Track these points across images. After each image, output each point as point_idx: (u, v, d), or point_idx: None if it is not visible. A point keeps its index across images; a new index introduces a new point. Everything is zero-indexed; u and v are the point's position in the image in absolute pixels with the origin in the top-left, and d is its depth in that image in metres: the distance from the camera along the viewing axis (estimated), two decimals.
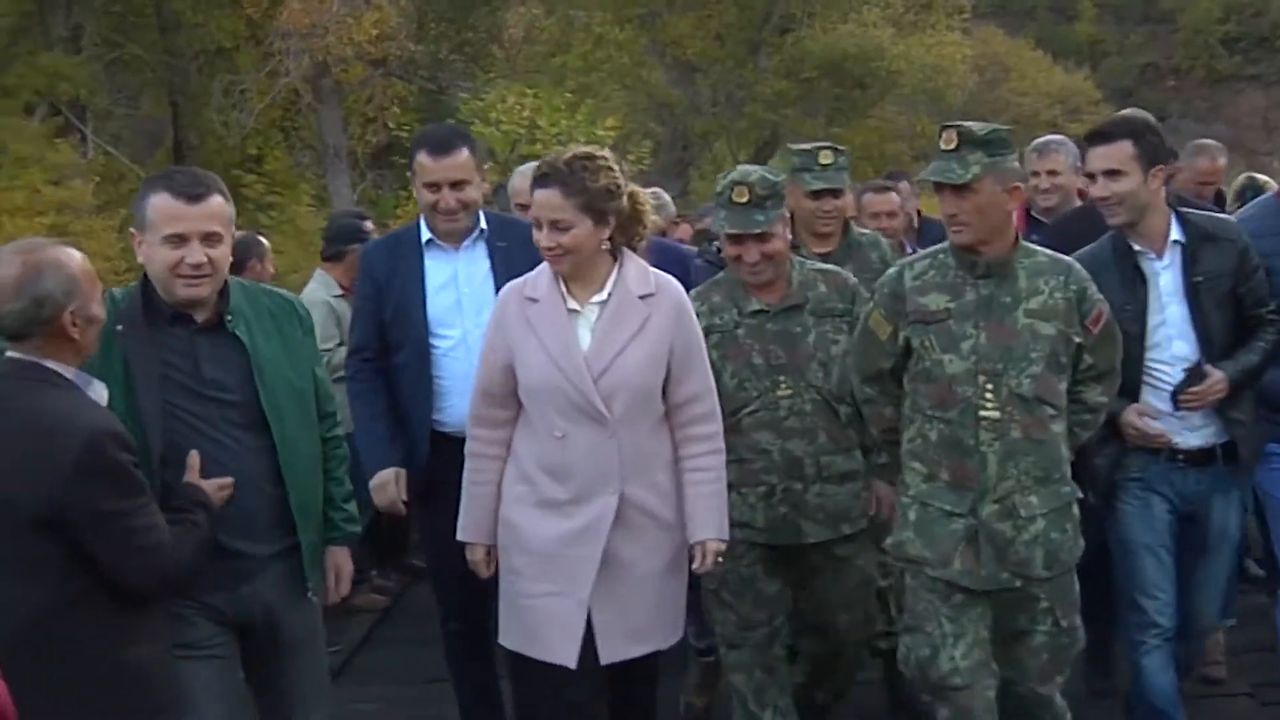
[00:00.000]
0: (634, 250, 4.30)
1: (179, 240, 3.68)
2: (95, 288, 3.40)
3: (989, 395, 4.12)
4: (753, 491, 4.79)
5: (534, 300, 4.19)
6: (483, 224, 5.03)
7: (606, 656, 4.17)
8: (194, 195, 3.68)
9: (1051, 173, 6.58)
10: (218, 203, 3.74)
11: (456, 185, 4.88)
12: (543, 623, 4.16)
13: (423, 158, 4.88)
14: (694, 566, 4.30)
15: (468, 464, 4.36)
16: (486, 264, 4.99)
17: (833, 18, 29.59)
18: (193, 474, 3.65)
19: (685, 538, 4.29)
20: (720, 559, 4.32)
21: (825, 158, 5.53)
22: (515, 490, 4.24)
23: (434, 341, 4.98)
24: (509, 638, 4.28)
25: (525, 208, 4.79)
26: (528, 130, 20.64)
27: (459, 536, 4.38)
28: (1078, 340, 4.24)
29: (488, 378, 4.27)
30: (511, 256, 4.86)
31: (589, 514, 4.12)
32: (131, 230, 3.76)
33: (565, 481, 4.13)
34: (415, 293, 4.99)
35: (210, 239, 3.71)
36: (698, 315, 4.50)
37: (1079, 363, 4.28)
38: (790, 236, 4.93)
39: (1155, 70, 42.40)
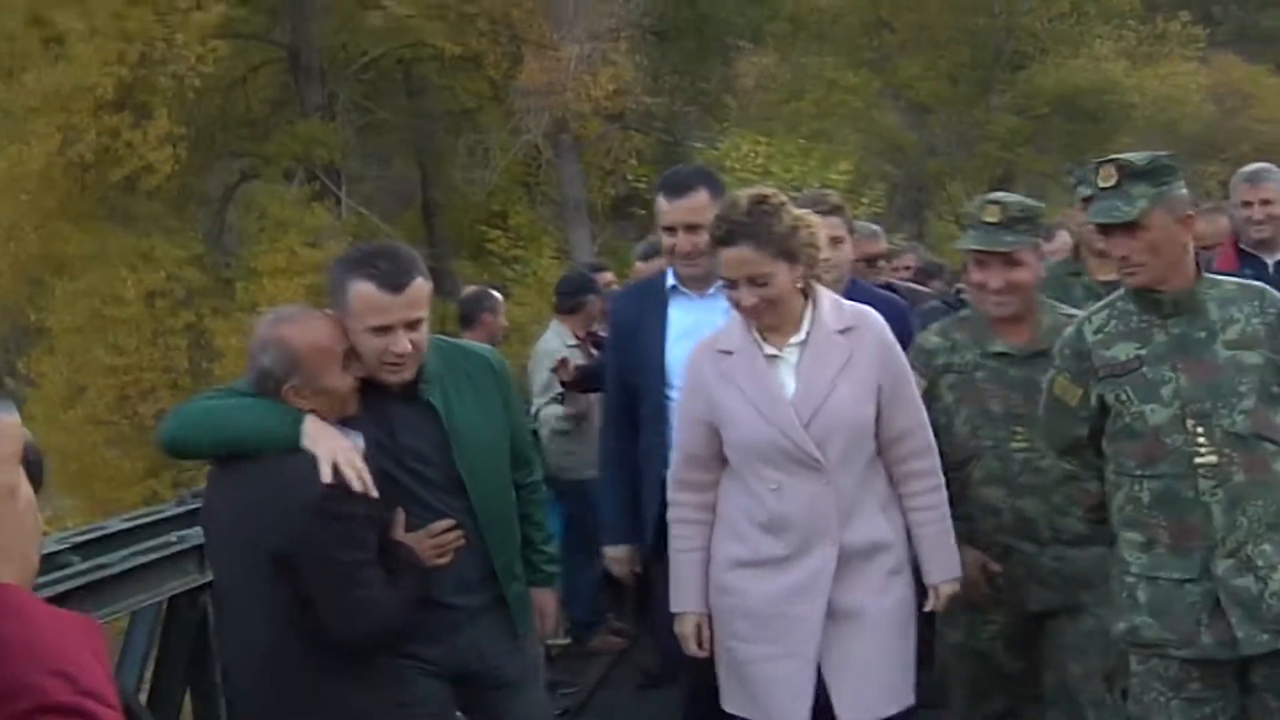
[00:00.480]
0: (819, 280, 4.05)
1: (384, 330, 3.59)
2: (326, 361, 3.49)
3: (1201, 439, 3.67)
4: (986, 553, 4.34)
5: (728, 353, 3.97)
6: None
7: (849, 716, 3.90)
8: (397, 285, 3.58)
9: (1265, 202, 6.07)
10: (418, 286, 3.63)
11: (692, 229, 4.59)
12: (769, 685, 3.94)
13: (660, 200, 4.72)
14: (927, 607, 4.07)
15: (673, 530, 4.16)
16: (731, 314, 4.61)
17: (1064, 52, 29.21)
18: (398, 530, 3.67)
19: (910, 582, 4.05)
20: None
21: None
22: (729, 551, 4.02)
23: (669, 393, 4.65)
24: (731, 701, 4.07)
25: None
26: (761, 177, 20.89)
27: (672, 608, 4.16)
28: None
29: (690, 440, 4.07)
30: None
31: (809, 567, 3.89)
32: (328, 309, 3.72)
33: (782, 535, 3.92)
34: (656, 341, 4.77)
35: (413, 325, 3.63)
36: (937, 352, 4.33)
37: None
38: (1042, 270, 4.49)
39: None
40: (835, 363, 3.91)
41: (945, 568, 4.06)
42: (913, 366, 4.22)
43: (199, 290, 24.02)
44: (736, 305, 3.92)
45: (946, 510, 4.08)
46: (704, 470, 4.06)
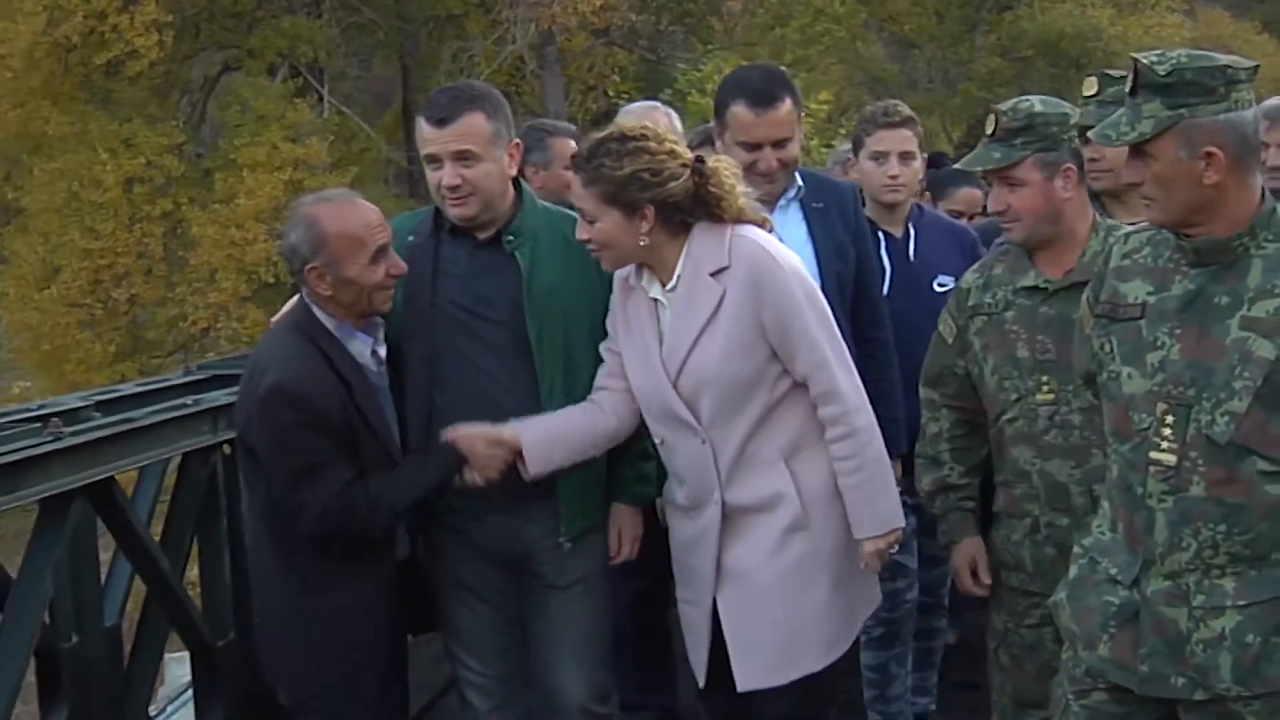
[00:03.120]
0: (725, 215, 3.57)
1: (433, 161, 3.60)
2: (352, 250, 3.45)
3: (1166, 431, 2.90)
4: (1019, 524, 3.72)
5: (632, 288, 3.65)
6: (799, 182, 4.24)
7: (743, 683, 3.65)
8: (442, 120, 3.56)
9: None
10: (468, 121, 3.55)
11: (779, 144, 4.10)
12: (688, 629, 3.81)
13: (740, 110, 4.07)
14: (862, 565, 3.69)
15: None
16: (803, 228, 4.22)
17: None
18: (461, 428, 3.56)
19: (831, 541, 3.66)
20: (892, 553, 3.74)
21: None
22: (667, 488, 3.83)
23: None
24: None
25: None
26: None
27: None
28: None
29: (608, 354, 3.75)
30: (829, 220, 4.20)
31: (699, 523, 3.66)
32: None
33: (680, 487, 3.70)
34: None
35: (462, 158, 3.55)
36: (970, 291, 3.74)
37: None
38: (1071, 193, 3.61)
39: None
40: (702, 312, 3.51)
41: (865, 523, 3.61)
42: (947, 311, 3.82)
43: (177, 179, 24.19)
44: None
45: (864, 459, 3.59)
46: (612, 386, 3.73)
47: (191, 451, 4.74)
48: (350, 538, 3.49)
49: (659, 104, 4.83)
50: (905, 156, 4.63)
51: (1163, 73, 2.85)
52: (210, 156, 25.37)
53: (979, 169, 3.72)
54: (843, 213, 4.24)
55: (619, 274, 3.65)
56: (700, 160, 3.54)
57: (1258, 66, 2.95)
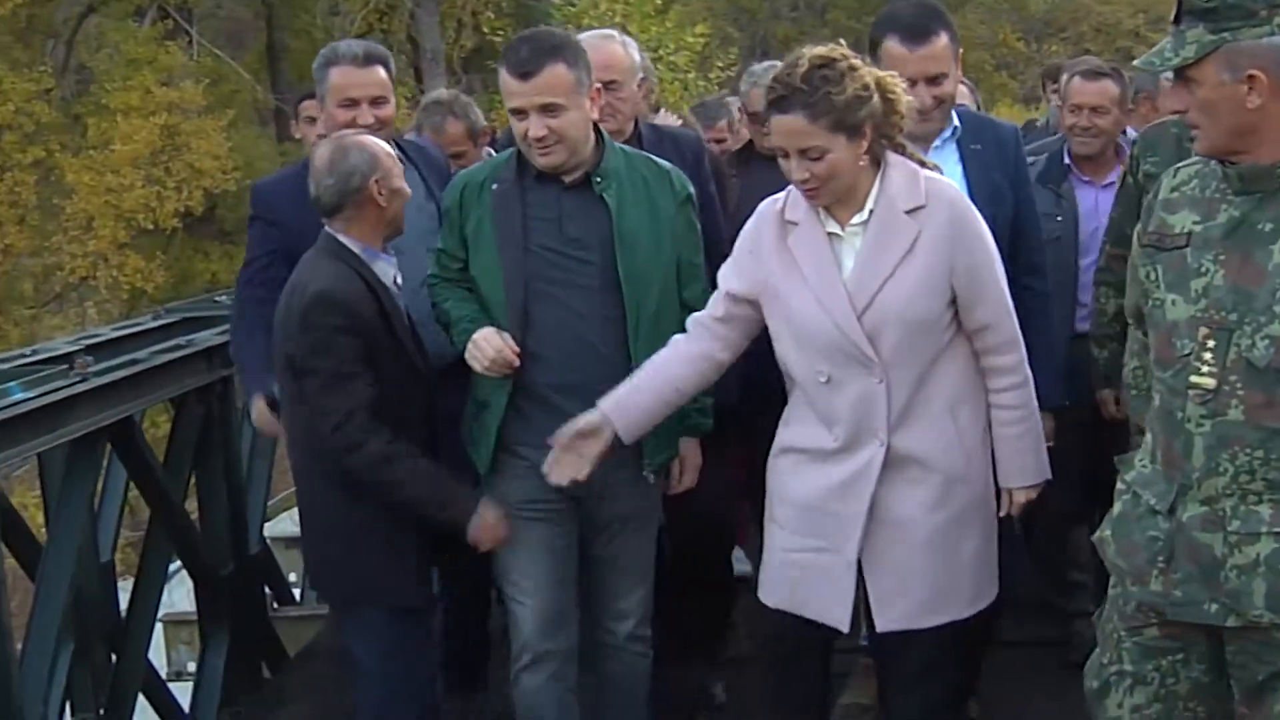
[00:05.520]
0: (901, 148, 3.58)
1: (519, 114, 3.69)
2: (396, 165, 3.81)
3: (1207, 355, 2.96)
4: None
5: (794, 224, 3.57)
6: (955, 122, 4.16)
7: (883, 624, 3.60)
8: (525, 73, 3.65)
9: None
10: (551, 74, 3.66)
11: (934, 80, 4.00)
12: (810, 578, 3.63)
13: (893, 46, 3.98)
14: (1001, 512, 3.70)
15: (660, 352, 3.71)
16: (958, 169, 4.11)
17: None
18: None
19: (984, 492, 3.66)
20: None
21: None
22: (783, 434, 3.70)
23: None
24: (771, 592, 3.73)
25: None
26: None
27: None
28: None
29: (721, 298, 3.66)
30: (987, 162, 4.12)
31: (852, 466, 3.56)
32: None
33: (832, 427, 3.57)
34: None
35: (548, 110, 3.66)
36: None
37: None
38: None
39: None
40: (899, 247, 3.48)
41: (1020, 472, 3.67)
42: None
43: (48, 125, 23.72)
44: (789, 177, 3.51)
45: (1030, 409, 3.66)
46: (728, 328, 3.65)
47: (188, 391, 4.97)
48: (346, 467, 3.68)
49: (614, 32, 4.77)
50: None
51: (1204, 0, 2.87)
52: (81, 101, 24.94)
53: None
54: (1002, 155, 4.15)
55: (768, 212, 3.61)
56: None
57: None
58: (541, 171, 3.73)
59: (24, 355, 4.53)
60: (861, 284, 3.47)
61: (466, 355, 3.71)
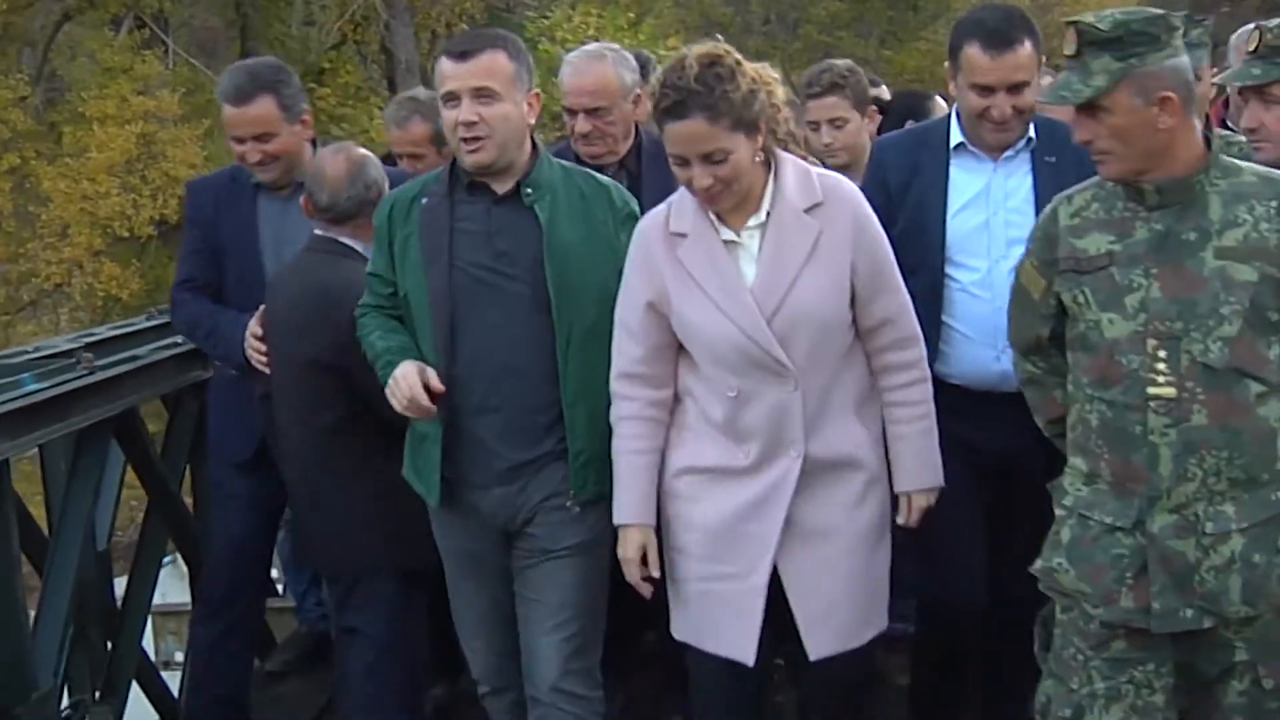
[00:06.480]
0: (784, 146, 3.45)
1: (452, 100, 3.50)
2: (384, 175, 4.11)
3: (1161, 366, 3.01)
4: None
5: (682, 235, 3.40)
6: (1031, 133, 3.96)
7: (816, 651, 3.45)
8: (462, 54, 3.50)
9: None
10: (490, 59, 3.50)
11: (1015, 89, 3.84)
12: (715, 610, 3.47)
13: (974, 52, 3.83)
14: (899, 520, 3.56)
15: (620, 430, 3.51)
16: (1027, 181, 3.95)
17: None
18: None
19: (890, 494, 3.55)
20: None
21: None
22: (680, 456, 3.51)
23: (951, 272, 3.95)
24: (680, 628, 3.57)
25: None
26: None
27: (614, 520, 3.53)
28: None
29: (640, 327, 3.47)
30: (1063, 174, 3.76)
31: (768, 480, 3.41)
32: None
33: (743, 444, 3.42)
34: (935, 206, 3.98)
35: (482, 96, 3.48)
36: None
37: None
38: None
39: None
40: (802, 248, 3.35)
41: (919, 474, 3.54)
42: None
43: (23, 133, 23.82)
44: (688, 186, 3.35)
45: (929, 409, 3.55)
46: (658, 361, 3.49)
47: (184, 386, 5.18)
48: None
49: (604, 50, 4.63)
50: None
51: (1106, 29, 2.96)
52: (57, 109, 25.04)
53: (1237, 84, 3.74)
54: (1080, 170, 3.68)
55: (649, 228, 3.47)
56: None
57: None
58: (472, 182, 3.58)
59: (28, 351, 4.73)
60: (767, 289, 3.34)
61: (387, 393, 3.54)
